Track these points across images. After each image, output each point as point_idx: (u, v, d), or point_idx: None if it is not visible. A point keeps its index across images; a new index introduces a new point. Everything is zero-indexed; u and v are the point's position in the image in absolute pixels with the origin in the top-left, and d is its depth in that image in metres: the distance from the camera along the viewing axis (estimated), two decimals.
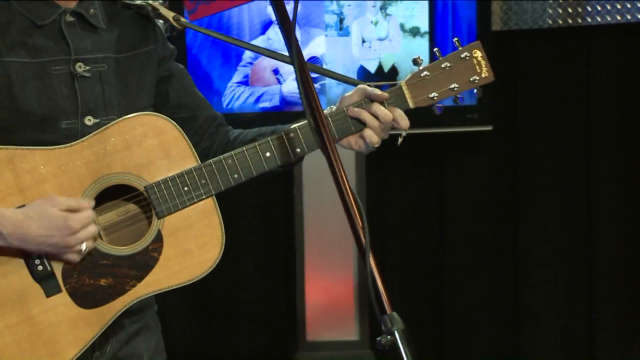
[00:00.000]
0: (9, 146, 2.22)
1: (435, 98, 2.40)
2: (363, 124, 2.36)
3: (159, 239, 2.28)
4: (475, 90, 2.44)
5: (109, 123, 2.28)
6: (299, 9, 2.01)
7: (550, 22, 4.44)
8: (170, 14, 2.41)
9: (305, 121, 2.34)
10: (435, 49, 2.44)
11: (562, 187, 4.65)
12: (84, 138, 2.26)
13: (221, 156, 2.33)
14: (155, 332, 2.51)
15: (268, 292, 4.71)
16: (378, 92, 2.36)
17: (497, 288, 4.73)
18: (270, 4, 1.99)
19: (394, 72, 4.24)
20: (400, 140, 2.42)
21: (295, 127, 2.36)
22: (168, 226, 2.29)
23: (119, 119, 2.28)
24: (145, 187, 2.28)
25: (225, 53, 4.19)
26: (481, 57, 2.43)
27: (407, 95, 2.39)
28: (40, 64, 2.26)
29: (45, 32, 2.28)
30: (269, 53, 2.55)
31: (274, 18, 4.09)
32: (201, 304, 4.68)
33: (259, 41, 4.13)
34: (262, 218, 4.69)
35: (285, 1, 2.01)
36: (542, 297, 4.67)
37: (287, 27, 1.98)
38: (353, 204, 1.92)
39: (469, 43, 2.44)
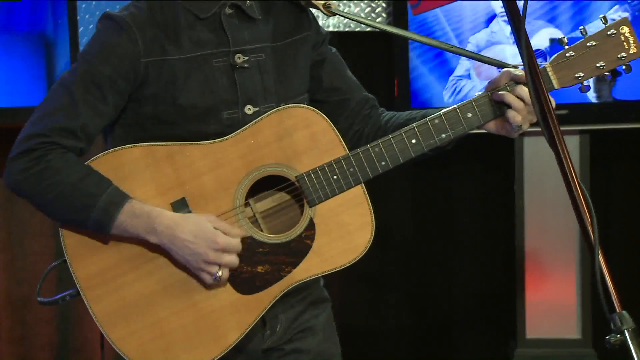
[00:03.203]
0: (167, 142, 2.33)
1: (581, 77, 2.41)
2: (508, 107, 2.38)
3: (311, 226, 2.36)
4: (624, 67, 2.43)
5: (268, 111, 2.37)
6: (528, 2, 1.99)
7: None
8: (320, 3, 2.46)
9: (451, 107, 2.39)
10: (581, 28, 2.42)
11: None
12: (237, 131, 2.34)
13: (368, 145, 2.37)
14: (323, 305, 2.56)
15: (487, 288, 4.68)
16: (520, 72, 2.37)
17: None
18: None
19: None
20: None
21: (440, 113, 2.39)
22: (320, 214, 2.36)
23: (269, 112, 2.35)
24: (296, 177, 2.35)
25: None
26: (629, 32, 2.40)
27: (552, 76, 2.40)
28: (203, 57, 2.35)
29: (207, 24, 2.36)
30: (471, 55, 2.58)
31: (498, 11, 4.06)
32: (420, 300, 4.70)
33: (482, 34, 4.11)
34: (482, 213, 4.66)
35: None
36: None
37: (517, 22, 1.96)
38: (582, 199, 1.88)
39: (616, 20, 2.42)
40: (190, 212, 2.31)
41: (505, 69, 2.41)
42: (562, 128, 1.99)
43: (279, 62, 2.44)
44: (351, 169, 2.36)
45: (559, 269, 4.36)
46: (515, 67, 2.41)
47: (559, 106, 4.01)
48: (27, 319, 3.96)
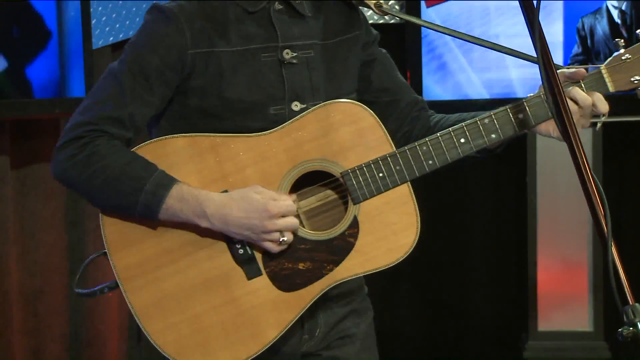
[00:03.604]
0: (211, 134, 2.29)
1: (637, 82, 2.34)
2: None
3: (355, 224, 2.31)
4: None
5: None
6: None
7: None
8: (372, 2, 2.42)
9: (502, 108, 2.33)
10: (638, 31, 2.37)
11: None
12: (282, 125, 2.30)
13: (416, 143, 2.32)
14: (365, 314, 2.52)
15: (499, 281, 4.68)
16: (576, 71, 2.30)
17: None
18: None
19: None
20: (599, 125, 2.35)
21: (490, 113, 2.33)
22: (364, 212, 2.31)
23: (315, 107, 2.32)
24: (341, 173, 2.30)
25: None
26: None
27: (607, 79, 2.33)
28: (251, 51, 2.32)
29: (256, 19, 2.33)
30: (503, 49, 2.48)
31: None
32: (431, 293, 4.70)
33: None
34: (494, 206, 4.65)
35: None
36: None
37: (530, 13, 1.96)
38: (595, 192, 1.88)
39: None
40: None
41: (560, 71, 2.31)
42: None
43: (328, 60, 2.40)
44: (397, 167, 2.31)
45: (571, 261, 4.35)
46: (569, 67, 2.34)
47: None
48: (39, 310, 3.97)
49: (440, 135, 2.33)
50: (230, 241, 2.29)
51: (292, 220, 2.26)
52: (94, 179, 2.26)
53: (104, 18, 3.91)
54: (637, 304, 1.80)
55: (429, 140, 2.32)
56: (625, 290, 1.81)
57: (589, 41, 4.09)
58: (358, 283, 2.47)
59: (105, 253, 2.31)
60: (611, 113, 4.10)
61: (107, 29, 3.92)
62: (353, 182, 2.30)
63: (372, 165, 2.31)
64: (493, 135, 2.34)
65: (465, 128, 2.33)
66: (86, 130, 2.26)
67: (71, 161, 2.26)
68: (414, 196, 2.33)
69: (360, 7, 2.47)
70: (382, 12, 2.43)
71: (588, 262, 4.34)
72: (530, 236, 4.37)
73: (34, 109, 3.73)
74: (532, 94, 2.35)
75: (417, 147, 2.32)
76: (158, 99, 2.31)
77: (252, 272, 2.29)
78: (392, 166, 2.31)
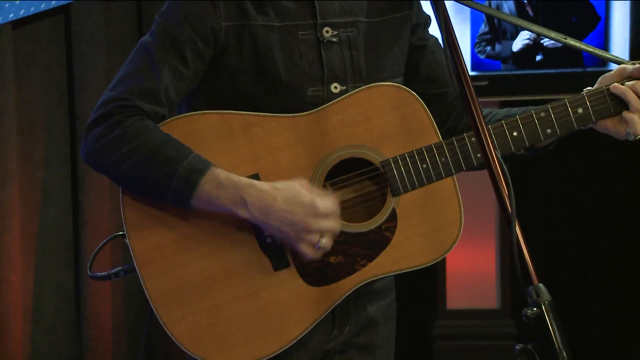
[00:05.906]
0: (245, 112, 2.16)
1: None
2: (625, 107, 2.18)
3: (393, 217, 2.17)
4: None
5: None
6: None
7: None
8: None
9: (560, 101, 2.20)
10: None
11: None
12: (321, 107, 2.17)
13: (465, 134, 2.18)
14: (391, 322, 2.42)
15: None
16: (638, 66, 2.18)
17: None
18: None
19: None
20: None
21: (547, 106, 2.20)
22: (403, 205, 2.17)
23: (358, 89, 2.18)
24: (381, 162, 2.16)
25: None
26: None
27: None
28: (288, 28, 2.18)
29: None
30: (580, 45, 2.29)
31: None
32: None
33: None
34: None
35: None
36: None
37: None
38: (499, 171, 1.87)
39: None
40: None
41: (621, 66, 2.21)
42: (481, 99, 1.97)
43: (372, 40, 2.24)
44: (443, 159, 2.16)
45: (478, 240, 4.38)
46: (634, 63, 2.19)
47: (479, 77, 4.05)
48: None
49: (492, 127, 2.18)
50: (258, 228, 2.14)
51: (335, 223, 2.11)
52: (123, 163, 2.10)
53: None
54: (540, 285, 1.79)
55: None
56: (530, 270, 1.80)
57: (495, 20, 4.11)
58: (390, 284, 2.38)
59: (123, 234, 2.17)
60: (515, 92, 4.17)
61: (7, 5, 3.83)
62: (394, 173, 2.16)
63: (415, 155, 2.16)
64: (549, 130, 2.19)
65: (519, 121, 2.18)
66: (117, 107, 2.11)
67: (100, 142, 2.12)
68: (458, 191, 2.21)
69: None
70: None
71: (495, 240, 4.38)
72: None
73: None
74: (590, 88, 2.22)
75: (466, 138, 2.17)
76: (192, 72, 2.16)
77: (279, 263, 2.15)
78: (437, 158, 2.17)
